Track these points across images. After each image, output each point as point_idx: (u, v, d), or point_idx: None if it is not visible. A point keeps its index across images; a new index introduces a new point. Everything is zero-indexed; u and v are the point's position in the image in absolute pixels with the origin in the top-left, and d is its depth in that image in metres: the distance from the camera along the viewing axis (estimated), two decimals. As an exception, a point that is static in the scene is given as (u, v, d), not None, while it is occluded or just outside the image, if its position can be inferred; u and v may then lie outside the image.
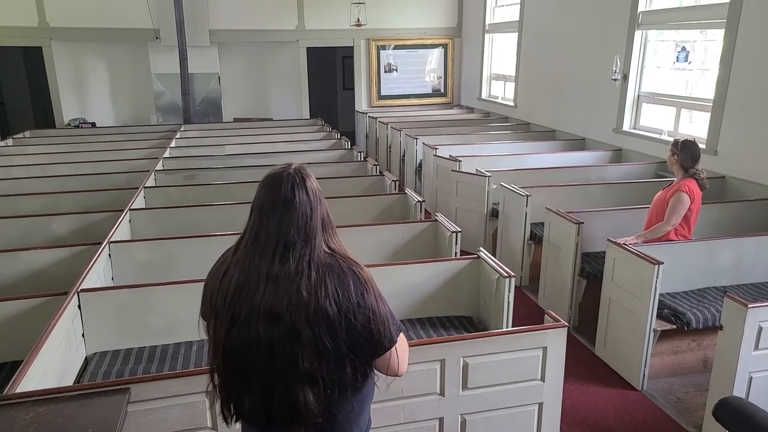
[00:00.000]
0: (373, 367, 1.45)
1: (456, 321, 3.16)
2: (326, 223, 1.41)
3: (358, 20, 8.98)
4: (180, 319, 2.71)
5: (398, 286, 3.08)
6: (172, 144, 6.82)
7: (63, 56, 9.07)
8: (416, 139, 6.92)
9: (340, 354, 1.35)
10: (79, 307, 2.58)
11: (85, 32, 8.85)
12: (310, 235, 1.36)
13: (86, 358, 2.66)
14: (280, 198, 1.36)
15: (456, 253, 3.53)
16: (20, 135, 7.55)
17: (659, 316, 3.25)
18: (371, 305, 1.37)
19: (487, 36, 9.23)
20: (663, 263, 3.07)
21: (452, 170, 5.44)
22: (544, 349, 2.37)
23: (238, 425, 1.51)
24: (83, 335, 2.62)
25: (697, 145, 3.54)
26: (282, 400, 1.36)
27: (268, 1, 9.39)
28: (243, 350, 1.35)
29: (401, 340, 1.46)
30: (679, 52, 5.28)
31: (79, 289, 2.60)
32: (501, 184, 4.76)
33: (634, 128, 5.95)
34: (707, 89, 5.05)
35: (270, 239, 1.35)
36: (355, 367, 1.38)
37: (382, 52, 10.10)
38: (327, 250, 1.39)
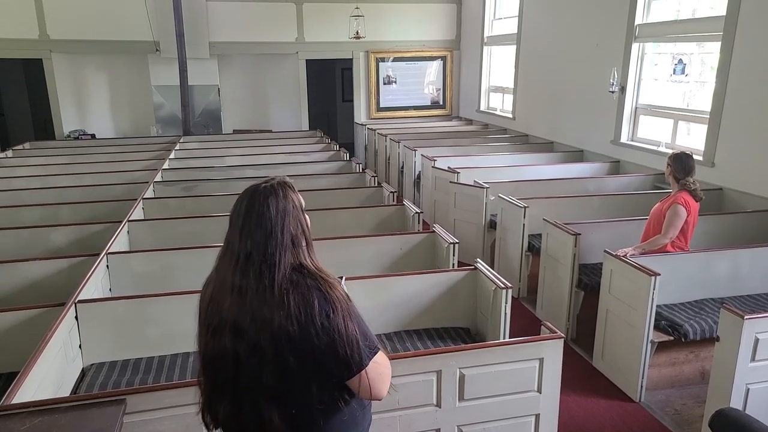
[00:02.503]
0: (347, 391, 1.38)
1: (453, 332, 3.16)
2: (297, 239, 1.37)
3: (357, 33, 9.06)
4: (177, 330, 2.71)
5: (395, 297, 3.09)
6: (172, 155, 6.85)
7: (63, 68, 9.14)
8: (415, 150, 6.95)
9: (305, 374, 1.32)
10: (76, 318, 2.58)
11: (86, 44, 8.93)
12: (273, 251, 1.33)
13: (83, 369, 2.65)
14: (241, 210, 1.37)
15: (453, 264, 3.54)
16: (20, 147, 7.58)
17: (657, 328, 3.25)
18: (337, 326, 1.31)
19: (485, 48, 9.31)
20: (660, 274, 3.08)
21: (450, 182, 5.47)
22: (541, 360, 2.37)
23: None
24: (80, 346, 2.62)
25: (691, 157, 3.58)
26: (249, 416, 1.35)
27: (267, 13, 9.48)
28: (216, 360, 1.37)
29: (377, 363, 1.38)
30: (676, 64, 5.32)
31: (76, 300, 2.60)
32: (499, 196, 4.78)
33: (632, 140, 5.98)
34: (704, 101, 5.08)
35: (234, 250, 1.35)
36: (321, 388, 1.35)
37: (381, 64, 10.18)
38: (296, 266, 1.36)
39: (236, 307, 1.33)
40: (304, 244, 1.39)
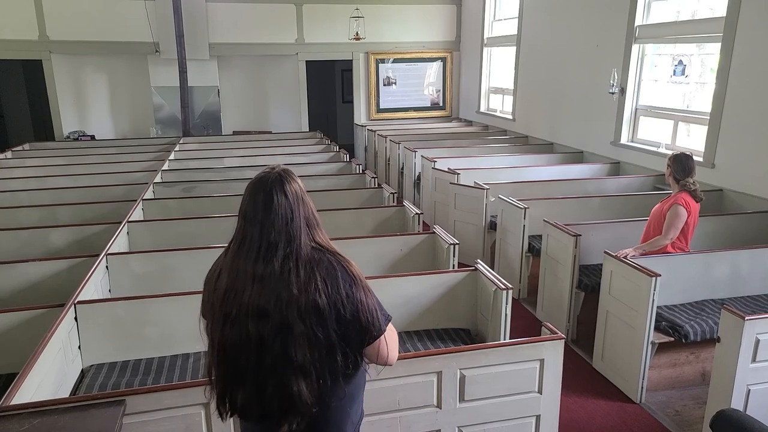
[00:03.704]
0: (363, 356, 1.51)
1: (453, 333, 3.15)
2: (311, 221, 1.48)
3: (357, 34, 9.07)
4: (177, 331, 2.70)
5: (396, 298, 3.08)
6: (171, 156, 6.85)
7: (63, 69, 9.14)
8: (415, 152, 6.95)
9: (331, 343, 1.42)
10: (75, 319, 2.57)
11: (85, 45, 8.93)
12: (293, 235, 1.43)
13: (82, 370, 2.64)
14: (260, 203, 1.44)
15: (454, 265, 3.54)
16: (19, 148, 7.58)
17: (657, 329, 3.25)
18: (359, 297, 1.44)
19: (485, 50, 9.31)
20: (660, 275, 3.08)
21: (450, 183, 5.46)
22: (542, 361, 2.36)
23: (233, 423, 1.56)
24: (80, 347, 2.61)
25: (690, 158, 3.57)
26: (274, 394, 1.42)
27: (267, 15, 9.48)
28: (235, 347, 1.42)
29: (390, 330, 1.53)
30: (676, 65, 5.33)
31: (75, 301, 2.60)
32: (499, 197, 4.77)
33: (632, 141, 5.98)
34: (704, 102, 5.08)
35: (254, 242, 1.43)
36: (345, 356, 1.45)
37: (380, 65, 10.19)
38: (314, 245, 1.46)
39: (258, 293, 1.41)
40: (315, 223, 1.50)
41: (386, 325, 1.51)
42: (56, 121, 9.08)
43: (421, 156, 6.63)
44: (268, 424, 1.48)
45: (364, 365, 1.55)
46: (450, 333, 3.15)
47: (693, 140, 5.32)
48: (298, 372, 1.40)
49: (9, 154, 7.12)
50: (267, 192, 1.44)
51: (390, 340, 1.52)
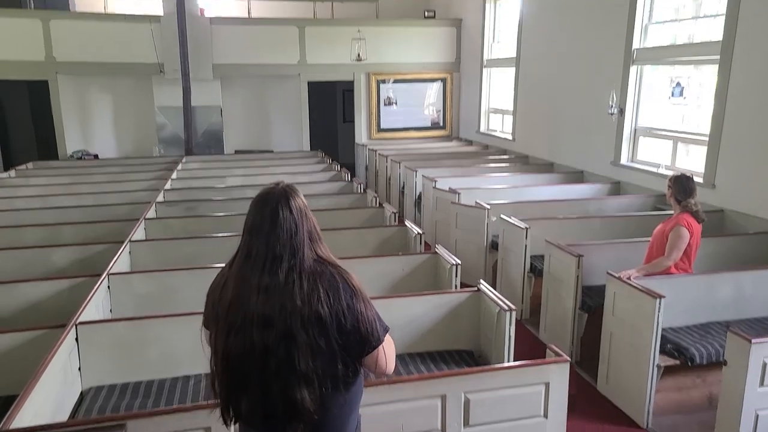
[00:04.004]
0: (362, 365, 1.58)
1: (456, 355, 3.13)
2: (313, 235, 1.55)
3: (359, 55, 9.17)
4: (178, 352, 2.68)
5: (398, 319, 3.06)
6: (174, 176, 6.87)
7: (68, 89, 9.23)
8: (416, 171, 6.97)
9: (333, 352, 1.49)
10: (76, 340, 2.55)
11: (91, 66, 9.03)
12: (297, 248, 1.50)
13: (82, 392, 2.61)
14: (266, 217, 1.51)
15: (456, 285, 3.52)
16: (23, 167, 7.61)
17: (662, 351, 3.22)
18: (359, 308, 1.51)
19: (485, 71, 9.41)
20: (664, 297, 3.06)
21: (452, 202, 5.47)
22: (547, 384, 2.34)
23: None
24: (79, 369, 2.58)
25: (691, 179, 3.58)
26: (278, 400, 1.48)
27: (270, 36, 9.61)
28: (240, 355, 1.48)
29: (388, 341, 1.59)
30: (674, 87, 5.38)
31: (77, 322, 2.58)
32: (501, 217, 4.78)
33: (632, 161, 6.00)
34: (703, 123, 5.12)
35: (259, 254, 1.49)
36: (346, 364, 1.52)
37: (381, 85, 10.28)
38: (316, 258, 1.53)
39: (263, 303, 1.47)
40: (317, 237, 1.57)
41: (384, 336, 1.57)
42: (60, 141, 9.14)
43: (422, 175, 6.65)
44: (271, 430, 1.53)
45: (362, 374, 1.62)
46: (453, 355, 3.13)
47: (693, 160, 5.35)
48: (301, 379, 1.45)
49: (13, 173, 7.15)
50: (272, 206, 1.51)
51: (388, 350, 1.59)
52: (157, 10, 9.37)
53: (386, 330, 1.59)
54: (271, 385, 1.47)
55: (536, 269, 4.52)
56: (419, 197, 6.88)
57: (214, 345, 1.54)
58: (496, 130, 9.33)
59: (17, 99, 10.18)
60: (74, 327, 2.55)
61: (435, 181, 6.14)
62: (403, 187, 7.52)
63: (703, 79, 5.30)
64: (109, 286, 3.23)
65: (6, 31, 8.54)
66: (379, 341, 1.55)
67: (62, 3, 9.42)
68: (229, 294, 1.51)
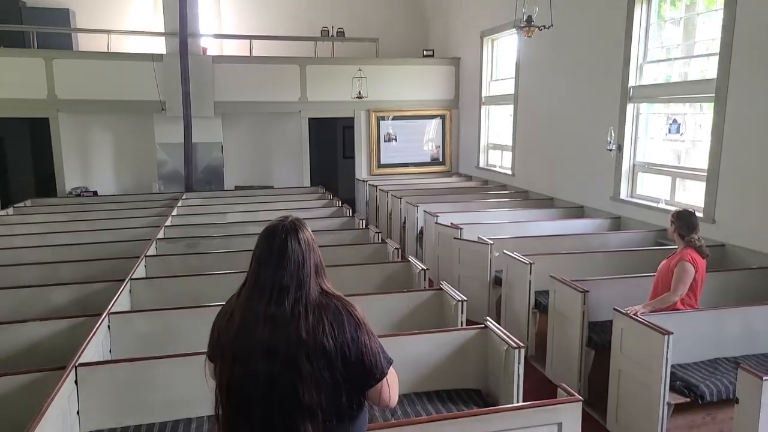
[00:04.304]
0: (366, 398, 1.58)
1: (464, 394, 3.06)
2: (319, 268, 1.59)
3: (360, 93, 9.32)
4: (180, 394, 2.62)
5: (404, 356, 2.99)
6: (174, 212, 6.87)
7: (69, 127, 9.29)
8: (417, 206, 6.99)
9: (337, 385, 1.50)
10: (75, 382, 2.49)
11: (93, 104, 9.13)
12: (303, 280, 1.53)
13: (79, 437, 2.53)
14: (274, 248, 1.54)
15: (462, 322, 3.48)
16: (21, 204, 7.59)
17: (672, 389, 3.16)
18: (364, 340, 1.53)
19: (483, 108, 9.57)
20: (672, 333, 3.02)
21: (454, 238, 5.47)
22: (559, 425, 2.28)
23: None
24: (78, 412, 2.51)
25: (694, 215, 3.60)
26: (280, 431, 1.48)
27: (272, 74, 9.77)
28: (244, 385, 1.49)
29: (392, 373, 1.61)
30: (670, 124, 5.46)
31: (76, 364, 2.52)
32: (504, 252, 4.77)
33: (632, 197, 6.04)
34: (702, 158, 5.18)
35: (266, 284, 1.52)
36: (350, 397, 1.54)
37: (381, 122, 10.43)
38: (321, 290, 1.56)
39: (269, 333, 1.48)
40: (323, 271, 1.60)
41: (388, 368, 1.58)
42: (59, 178, 9.15)
43: (424, 211, 6.66)
44: None
45: (366, 407, 1.62)
46: (461, 394, 3.06)
47: (693, 195, 5.39)
48: (305, 413, 1.45)
49: (11, 210, 7.13)
50: (281, 238, 1.54)
51: (392, 383, 1.59)
52: (160, 48, 9.57)
53: (390, 362, 1.60)
54: (274, 417, 1.47)
55: (541, 305, 4.49)
56: (420, 232, 6.88)
57: (219, 375, 1.55)
58: (495, 166, 9.42)
59: (18, 136, 10.26)
60: (74, 369, 2.49)
61: (437, 217, 6.14)
62: (405, 223, 7.52)
63: (700, 115, 5.39)
64: (109, 326, 3.17)
65: (9, 70, 8.66)
66: (383, 374, 1.56)
67: (65, 42, 9.60)
68: (235, 323, 1.53)
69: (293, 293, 1.51)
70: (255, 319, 1.50)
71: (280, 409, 1.47)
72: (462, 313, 3.47)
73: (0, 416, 2.41)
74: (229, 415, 1.52)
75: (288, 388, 1.46)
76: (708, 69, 5.14)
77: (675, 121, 5.44)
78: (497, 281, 5.05)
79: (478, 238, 5.22)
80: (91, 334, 2.82)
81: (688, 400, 3.15)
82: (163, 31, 9.52)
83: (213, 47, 10.51)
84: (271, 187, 9.95)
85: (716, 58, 4.81)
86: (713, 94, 4.83)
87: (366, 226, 6.11)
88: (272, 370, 1.46)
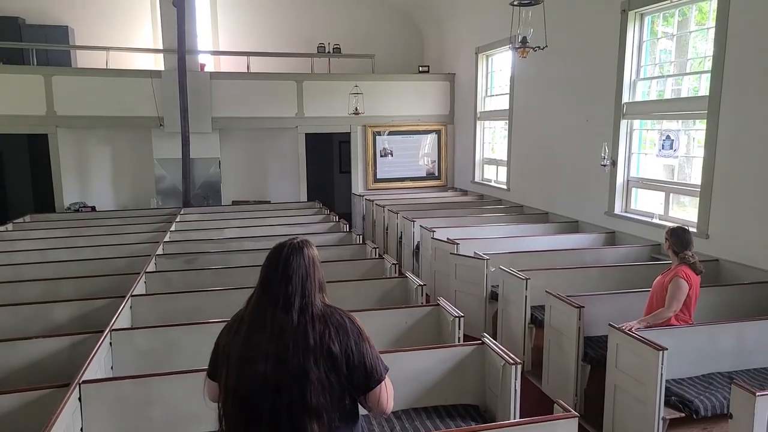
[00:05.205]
0: (365, 401, 1.69)
1: (462, 410, 3.10)
2: (322, 284, 1.73)
3: (356, 109, 9.43)
4: (182, 410, 2.64)
5: (402, 373, 3.03)
6: (173, 228, 6.90)
7: (68, 142, 9.36)
8: (413, 221, 7.05)
9: (342, 388, 1.62)
10: (79, 399, 2.51)
11: (91, 120, 9.20)
12: (308, 292, 1.65)
13: (81, 455, 2.55)
14: (281, 262, 1.68)
15: (459, 338, 3.52)
16: (20, 220, 7.61)
17: (667, 404, 3.20)
18: (365, 345, 1.67)
19: (478, 123, 9.69)
20: (667, 349, 3.07)
21: (451, 253, 5.51)
22: (556, 441, 2.32)
23: None
24: (81, 429, 2.53)
25: (687, 231, 3.68)
26: None
27: (269, 90, 9.87)
28: (251, 390, 1.58)
29: (388, 380, 1.72)
30: (664, 140, 5.54)
31: (80, 381, 2.55)
32: (500, 268, 4.82)
33: (626, 212, 6.12)
34: (695, 174, 5.26)
35: (274, 295, 1.64)
36: (353, 400, 1.67)
37: (377, 137, 10.53)
38: (323, 303, 1.69)
39: (277, 340, 1.59)
40: (324, 287, 1.73)
41: (386, 374, 1.70)
42: (58, 193, 9.18)
43: (420, 226, 6.72)
44: None
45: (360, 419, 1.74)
46: (459, 409, 3.09)
47: (686, 210, 5.47)
48: (312, 414, 1.55)
49: (10, 226, 7.14)
50: (288, 253, 1.69)
51: (389, 389, 1.71)
52: (158, 65, 9.66)
53: (387, 369, 1.72)
54: (281, 420, 1.56)
55: (537, 320, 4.53)
56: (417, 247, 6.93)
57: (225, 382, 1.63)
58: (490, 180, 9.51)
59: (17, 152, 10.30)
60: (78, 386, 2.52)
61: (433, 232, 6.20)
62: (401, 237, 7.57)
63: (693, 131, 5.48)
64: (111, 343, 3.20)
65: (9, 87, 8.73)
66: (382, 377, 1.68)
67: (64, 59, 9.69)
68: (243, 331, 1.63)
69: (298, 303, 1.63)
70: (263, 327, 1.61)
71: (288, 411, 1.55)
72: (459, 329, 3.51)
73: (6, 433, 2.43)
74: (235, 416, 1.60)
75: (296, 391, 1.55)
76: (701, 85, 5.25)
77: (668, 137, 5.53)
78: (493, 296, 5.10)
79: (474, 253, 5.28)
80: (94, 351, 2.84)
81: (683, 415, 3.19)
82: (161, 47, 9.63)
83: (210, 63, 10.62)
84: (268, 202, 10.01)
85: (708, 75, 4.91)
86: (706, 111, 4.93)
87: (363, 241, 6.16)
88: (280, 376, 1.56)
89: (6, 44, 9.07)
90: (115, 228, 7.00)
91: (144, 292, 4.28)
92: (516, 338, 4.66)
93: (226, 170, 10.16)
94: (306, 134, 10.16)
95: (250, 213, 8.27)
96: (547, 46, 4.71)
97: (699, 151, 5.21)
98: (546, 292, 4.17)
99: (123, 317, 3.60)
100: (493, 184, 9.34)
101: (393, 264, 4.97)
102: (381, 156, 10.60)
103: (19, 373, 3.02)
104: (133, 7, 10.36)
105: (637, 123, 6.05)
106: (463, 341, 3.43)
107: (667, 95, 5.71)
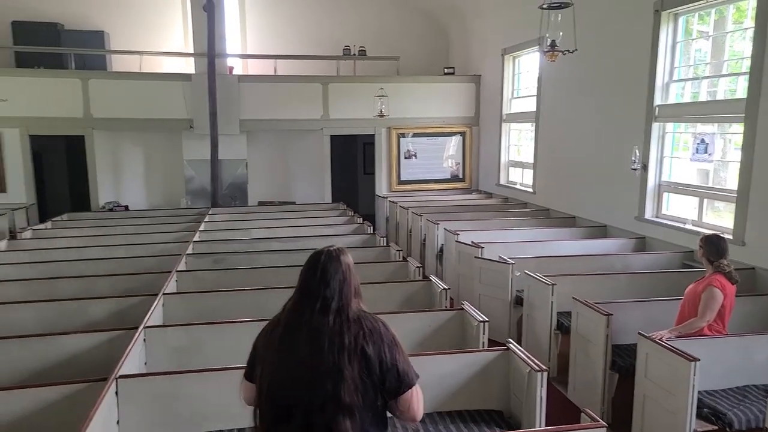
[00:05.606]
0: (396, 406, 1.72)
1: (486, 415, 3.09)
2: (358, 290, 1.79)
3: (381, 111, 9.46)
4: (213, 407, 2.71)
5: (426, 376, 3.00)
6: (202, 227, 7.04)
7: (102, 144, 9.66)
8: (437, 224, 7.04)
9: (375, 388, 1.66)
10: (116, 393, 2.60)
11: (125, 122, 9.47)
12: (345, 296, 1.72)
13: (118, 447, 2.64)
14: (319, 267, 1.75)
15: (484, 343, 3.51)
16: (58, 218, 7.88)
17: (698, 416, 3.14)
18: (397, 350, 1.72)
19: (504, 125, 9.62)
20: (699, 360, 3.01)
21: (475, 257, 5.49)
22: (583, 450, 2.30)
23: None
24: (117, 422, 2.62)
25: (723, 240, 3.59)
26: (321, 430, 1.61)
27: (295, 93, 9.99)
28: (286, 389, 1.64)
29: (419, 387, 1.76)
30: (698, 144, 5.38)
31: (117, 376, 2.64)
32: (525, 273, 4.78)
33: (657, 217, 5.98)
34: (731, 178, 5.12)
35: (312, 298, 1.71)
36: (384, 401, 1.70)
37: (402, 139, 10.55)
38: (359, 308, 1.75)
39: (312, 339, 1.65)
40: (360, 293, 1.80)
41: (416, 380, 1.74)
42: (93, 193, 9.47)
43: (444, 229, 6.71)
44: None
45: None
46: (483, 415, 3.09)
47: (721, 216, 5.33)
48: (346, 412, 1.60)
49: (49, 224, 7.40)
50: (327, 259, 1.76)
51: (419, 396, 1.74)
52: (189, 68, 9.88)
53: (417, 376, 1.76)
54: (314, 418, 1.60)
55: (563, 326, 4.48)
56: (441, 250, 6.92)
57: (260, 382, 1.70)
58: (516, 183, 9.43)
59: (55, 153, 10.65)
60: (115, 381, 2.60)
61: (457, 235, 6.18)
62: (424, 240, 7.57)
63: (729, 134, 5.32)
64: (144, 339, 3.30)
65: (49, 91, 9.06)
66: (413, 382, 1.72)
67: (100, 63, 9.99)
68: (279, 332, 1.70)
69: (335, 306, 1.69)
70: (299, 327, 1.68)
71: (321, 408, 1.60)
72: (484, 333, 3.51)
73: (46, 423, 2.53)
74: (269, 412, 1.67)
75: (330, 388, 1.60)
76: (738, 87, 5.09)
77: (703, 140, 5.37)
78: (518, 301, 5.06)
79: (499, 257, 5.25)
80: (129, 347, 2.94)
81: (716, 428, 3.12)
82: (192, 51, 9.84)
83: (239, 66, 10.80)
84: (293, 203, 10.12)
85: (746, 77, 4.77)
86: (743, 114, 4.78)
87: (387, 243, 6.18)
88: (315, 372, 1.62)
89: (46, 49, 9.40)
90: (147, 227, 7.19)
91: (175, 291, 4.39)
92: (541, 344, 4.62)
93: (252, 171, 10.32)
94: (330, 136, 10.25)
95: (276, 214, 8.38)
96: (576, 49, 4.65)
97: (735, 155, 5.08)
98: (573, 298, 4.12)
99: (156, 315, 3.71)
100: (518, 187, 9.26)
101: (417, 267, 4.97)
102: (405, 158, 10.62)
103: (59, 365, 3.14)
104: (165, 13, 10.61)
105: (669, 126, 5.92)
106: (487, 346, 3.42)
107: (702, 97, 5.56)
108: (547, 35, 4.56)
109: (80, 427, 2.13)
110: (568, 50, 4.49)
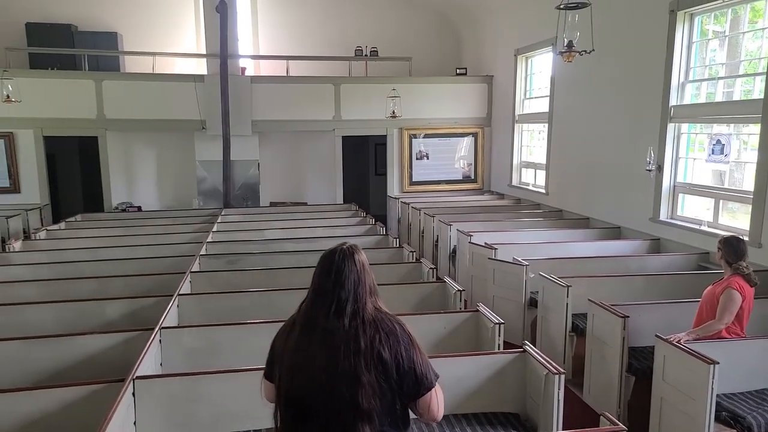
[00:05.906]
0: (416, 408, 1.70)
1: (502, 418, 3.08)
2: (373, 289, 1.73)
3: (393, 112, 9.45)
4: (230, 408, 2.72)
5: (443, 378, 2.96)
6: (215, 228, 7.07)
7: (115, 145, 9.74)
8: (450, 225, 7.01)
9: (393, 392, 1.63)
10: (133, 394, 2.62)
11: (138, 123, 9.54)
12: (360, 297, 1.67)
13: (134, 448, 2.65)
14: (333, 267, 1.70)
15: (499, 345, 3.49)
16: (72, 219, 7.96)
17: (717, 419, 3.10)
18: (415, 351, 1.68)
19: (516, 126, 9.57)
20: (718, 363, 2.97)
21: (488, 258, 5.47)
22: (603, 454, 2.28)
23: None
24: (135, 423, 2.64)
25: (742, 241, 3.54)
26: None
27: (307, 94, 10.01)
28: (304, 393, 1.62)
29: (439, 387, 1.72)
30: (714, 145, 5.33)
31: (134, 377, 2.65)
32: (540, 274, 4.75)
33: (672, 218, 5.92)
34: (748, 179, 5.05)
35: (326, 300, 1.67)
36: (403, 405, 1.68)
37: (414, 140, 10.53)
38: (375, 308, 1.70)
39: (329, 344, 1.62)
40: (376, 291, 1.75)
41: (436, 381, 1.71)
42: (106, 193, 9.56)
43: (457, 230, 6.68)
44: None
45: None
46: (499, 417, 3.07)
47: (737, 217, 5.26)
48: (364, 417, 1.58)
49: (63, 225, 7.47)
50: (340, 259, 1.71)
51: (439, 396, 1.71)
52: (201, 69, 9.95)
53: (437, 377, 1.73)
54: (332, 423, 1.59)
55: (578, 328, 4.45)
56: (453, 251, 6.90)
57: (278, 385, 1.68)
58: (528, 184, 9.38)
59: (68, 154, 10.76)
60: (132, 382, 2.62)
61: (470, 236, 6.16)
62: (437, 241, 7.55)
63: (745, 134, 5.26)
64: (160, 340, 3.31)
65: (62, 92, 9.15)
66: (432, 384, 1.68)
67: (113, 64, 10.08)
68: (296, 334, 1.67)
69: (350, 308, 1.65)
70: (315, 330, 1.64)
71: (338, 414, 1.58)
72: (499, 335, 3.49)
73: (65, 423, 2.55)
74: (287, 420, 1.65)
75: (347, 393, 1.57)
76: (754, 88, 5.03)
77: (719, 141, 5.31)
78: (532, 302, 5.03)
79: (513, 258, 5.22)
80: (145, 348, 2.96)
81: (735, 431, 3.08)
82: (204, 52, 9.90)
83: (251, 67, 10.85)
84: (305, 204, 10.14)
85: (763, 77, 4.72)
86: (760, 114, 4.72)
87: (400, 244, 6.17)
88: (331, 377, 1.59)
89: (60, 50, 9.50)
90: (160, 228, 7.23)
91: (189, 291, 4.41)
92: (556, 346, 4.58)
93: (264, 172, 10.36)
94: (342, 137, 10.25)
95: (288, 214, 8.40)
96: (594, 50, 4.61)
97: (751, 156, 5.01)
98: (589, 300, 4.09)
99: (171, 315, 3.73)
100: (530, 187, 9.20)
101: (431, 268, 4.96)
102: (417, 158, 10.60)
103: (76, 365, 3.17)
104: (177, 14, 10.68)
105: (684, 126, 5.86)
106: (505, 349, 3.40)
107: (718, 98, 5.50)
108: (564, 36, 4.52)
109: (99, 427, 2.15)
110: (585, 51, 4.45)
